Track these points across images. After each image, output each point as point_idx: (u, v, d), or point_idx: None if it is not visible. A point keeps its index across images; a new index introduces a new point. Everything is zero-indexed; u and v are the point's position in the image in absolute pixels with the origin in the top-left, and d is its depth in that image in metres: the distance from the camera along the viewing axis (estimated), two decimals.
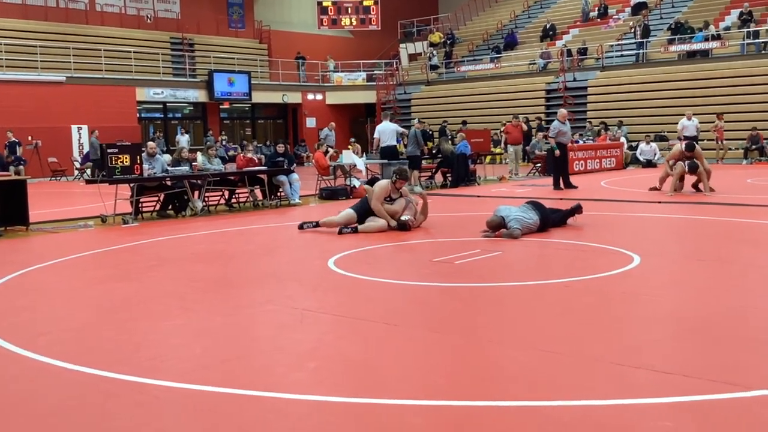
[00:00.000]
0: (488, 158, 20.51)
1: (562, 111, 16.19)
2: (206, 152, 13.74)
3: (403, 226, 9.57)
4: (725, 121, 22.58)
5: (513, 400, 3.60)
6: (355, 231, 9.50)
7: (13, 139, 22.62)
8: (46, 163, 24.42)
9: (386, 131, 16.37)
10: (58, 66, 26.58)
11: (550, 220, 9.22)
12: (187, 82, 30.19)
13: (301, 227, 10.00)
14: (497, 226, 8.85)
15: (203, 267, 7.56)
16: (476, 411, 3.48)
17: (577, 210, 9.60)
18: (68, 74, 26.32)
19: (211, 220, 11.90)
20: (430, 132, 24.60)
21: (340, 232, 9.41)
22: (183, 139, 27.62)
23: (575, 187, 15.18)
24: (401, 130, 16.39)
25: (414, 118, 25.02)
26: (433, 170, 17.92)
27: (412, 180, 16.47)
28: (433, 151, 18.23)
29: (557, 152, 15.22)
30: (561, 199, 12.66)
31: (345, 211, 9.80)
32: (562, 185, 15.28)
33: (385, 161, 15.87)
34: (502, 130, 23.89)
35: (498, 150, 25.32)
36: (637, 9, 30.73)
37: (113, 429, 3.39)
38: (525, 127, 21.61)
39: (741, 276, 6.51)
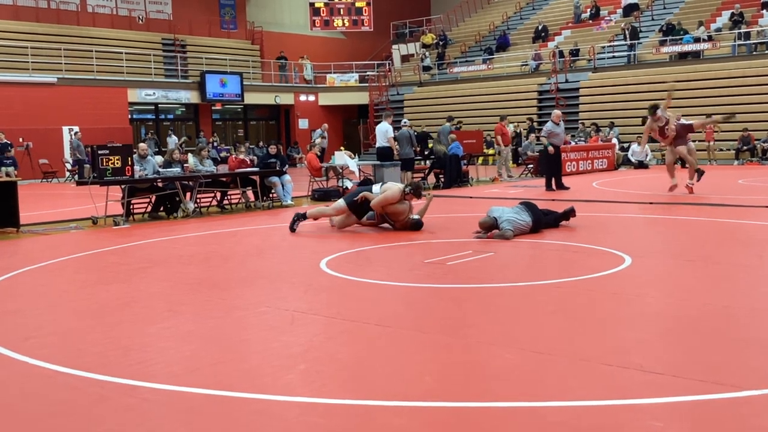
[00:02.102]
0: (480, 159, 20.53)
1: (556, 112, 16.16)
2: (198, 153, 13.71)
3: (416, 225, 9.62)
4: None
5: (503, 400, 3.60)
6: (304, 218, 9.85)
7: (5, 140, 22.54)
8: (37, 165, 24.34)
9: (379, 132, 16.46)
10: (49, 67, 26.49)
11: (543, 221, 9.23)
12: (179, 83, 30.13)
13: (292, 230, 9.91)
14: (490, 227, 8.86)
15: (194, 269, 7.54)
16: (467, 412, 3.47)
17: (570, 213, 9.60)
18: (59, 75, 26.24)
19: (202, 221, 11.87)
20: (416, 133, 24.58)
21: (292, 230, 9.75)
22: (171, 141, 27.47)
23: (567, 189, 15.19)
24: (391, 133, 16.40)
25: (404, 119, 25.03)
26: (426, 171, 17.95)
27: (405, 181, 16.50)
28: (425, 152, 18.27)
29: (551, 148, 15.17)
30: (554, 200, 12.68)
31: (337, 202, 9.82)
32: (554, 186, 15.29)
33: (378, 162, 15.87)
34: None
35: (491, 151, 25.32)
36: (628, 10, 30.81)
37: None
38: (510, 130, 21.81)
39: (730, 276, 6.53)
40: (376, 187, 9.87)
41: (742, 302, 5.53)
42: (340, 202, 9.72)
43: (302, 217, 9.88)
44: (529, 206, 9.23)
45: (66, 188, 21.13)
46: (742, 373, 3.89)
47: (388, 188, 9.73)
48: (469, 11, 38.27)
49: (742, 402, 3.50)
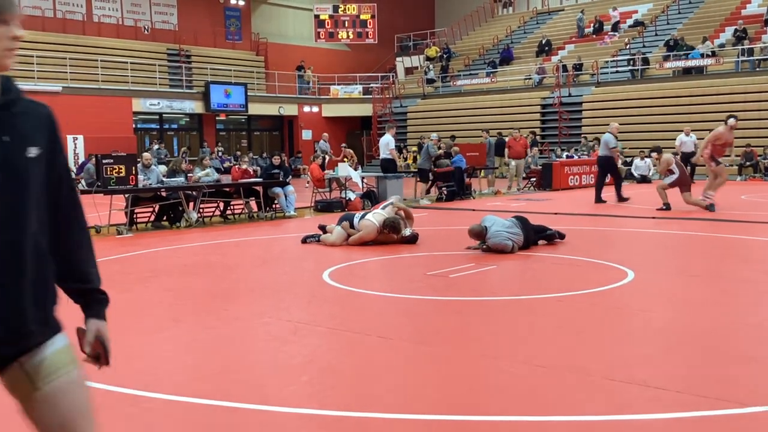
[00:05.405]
0: (482, 172, 20.50)
1: (615, 124, 16.06)
2: (200, 163, 13.73)
3: (411, 239, 9.62)
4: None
5: (505, 414, 3.59)
6: (318, 240, 9.83)
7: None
8: None
9: (382, 144, 16.72)
10: (54, 76, 26.57)
11: (533, 239, 9.12)
12: (184, 94, 30.21)
13: (304, 241, 9.95)
14: (477, 234, 8.80)
15: (197, 279, 7.54)
16: (468, 425, 3.46)
17: (560, 236, 9.50)
18: (65, 84, 26.31)
19: (205, 231, 11.88)
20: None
21: (303, 241, 9.80)
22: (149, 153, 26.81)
23: (604, 202, 15.03)
24: (393, 145, 16.74)
25: (408, 131, 25.13)
26: (429, 183, 17.99)
27: (418, 193, 16.67)
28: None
29: (618, 156, 15.30)
30: (556, 213, 12.67)
31: (336, 230, 9.75)
32: (621, 196, 15.17)
33: (381, 174, 15.98)
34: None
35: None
36: (618, 26, 31.10)
37: None
38: (528, 142, 21.78)
39: (734, 291, 6.52)
40: (357, 219, 9.84)
41: (746, 318, 5.51)
42: (341, 231, 9.69)
43: (317, 240, 9.86)
44: (521, 221, 9.13)
45: None
46: (746, 389, 3.87)
47: (364, 226, 9.62)
48: (473, 25, 38.41)
49: (746, 418, 3.48)
